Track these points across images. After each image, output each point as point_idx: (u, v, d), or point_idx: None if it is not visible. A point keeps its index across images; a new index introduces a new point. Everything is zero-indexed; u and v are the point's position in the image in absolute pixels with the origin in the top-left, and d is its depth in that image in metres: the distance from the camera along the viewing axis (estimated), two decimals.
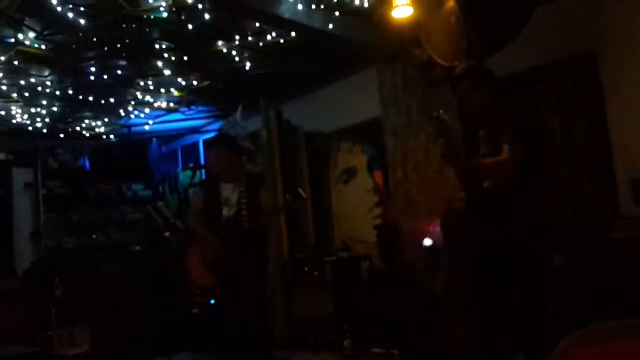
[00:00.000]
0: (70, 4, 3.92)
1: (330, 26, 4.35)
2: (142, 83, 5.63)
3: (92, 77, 5.27)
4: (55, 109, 6.05)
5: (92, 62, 4.98)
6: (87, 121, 6.78)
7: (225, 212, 4.06)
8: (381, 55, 4.99)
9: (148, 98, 6.12)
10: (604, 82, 3.88)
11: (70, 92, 5.61)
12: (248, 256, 3.92)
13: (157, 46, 4.72)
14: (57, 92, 5.54)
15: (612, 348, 1.43)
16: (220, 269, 3.95)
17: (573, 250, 4.15)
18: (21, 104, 5.74)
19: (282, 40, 4.80)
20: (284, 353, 5.06)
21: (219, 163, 4.13)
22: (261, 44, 4.86)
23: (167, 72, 5.28)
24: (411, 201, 4.78)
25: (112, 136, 7.48)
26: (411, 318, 4.28)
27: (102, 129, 7.17)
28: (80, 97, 5.79)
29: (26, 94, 5.50)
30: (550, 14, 4.09)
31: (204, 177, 7.81)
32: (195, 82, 5.76)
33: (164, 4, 4.01)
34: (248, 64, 5.27)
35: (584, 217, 4.25)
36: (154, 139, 8.34)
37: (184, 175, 8.06)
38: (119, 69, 5.18)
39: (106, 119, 6.83)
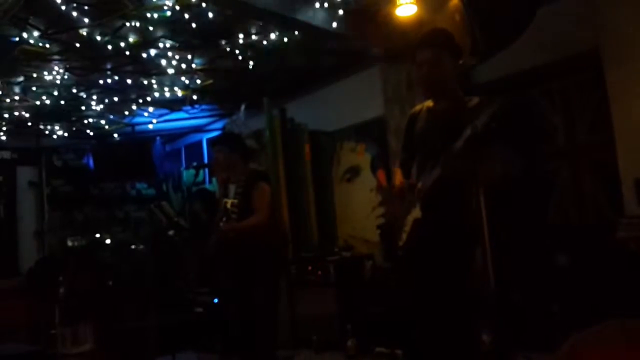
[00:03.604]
0: (74, 2, 3.92)
1: (334, 25, 4.34)
2: (145, 82, 5.63)
3: (96, 76, 5.27)
4: (59, 107, 6.06)
5: (96, 60, 4.99)
6: (91, 120, 6.79)
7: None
8: (385, 54, 4.99)
9: (152, 97, 6.13)
10: (607, 81, 3.87)
11: (75, 90, 5.62)
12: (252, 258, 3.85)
13: (160, 45, 4.73)
14: (62, 91, 5.55)
15: (618, 347, 1.43)
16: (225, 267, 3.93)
17: (577, 249, 4.15)
18: (26, 102, 5.75)
19: (285, 39, 4.80)
20: (287, 352, 5.06)
21: (219, 163, 4.10)
22: (265, 42, 4.86)
23: (170, 70, 5.28)
24: None
25: (116, 135, 7.50)
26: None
27: (106, 128, 7.18)
28: (85, 95, 5.80)
29: (30, 93, 5.51)
30: (553, 13, 4.08)
31: (207, 176, 7.83)
32: (198, 81, 5.75)
33: (168, 2, 4.01)
34: (252, 63, 5.27)
35: (588, 217, 4.24)
36: (158, 138, 8.35)
37: (187, 174, 8.07)
38: (123, 68, 5.19)
39: (110, 118, 6.84)
